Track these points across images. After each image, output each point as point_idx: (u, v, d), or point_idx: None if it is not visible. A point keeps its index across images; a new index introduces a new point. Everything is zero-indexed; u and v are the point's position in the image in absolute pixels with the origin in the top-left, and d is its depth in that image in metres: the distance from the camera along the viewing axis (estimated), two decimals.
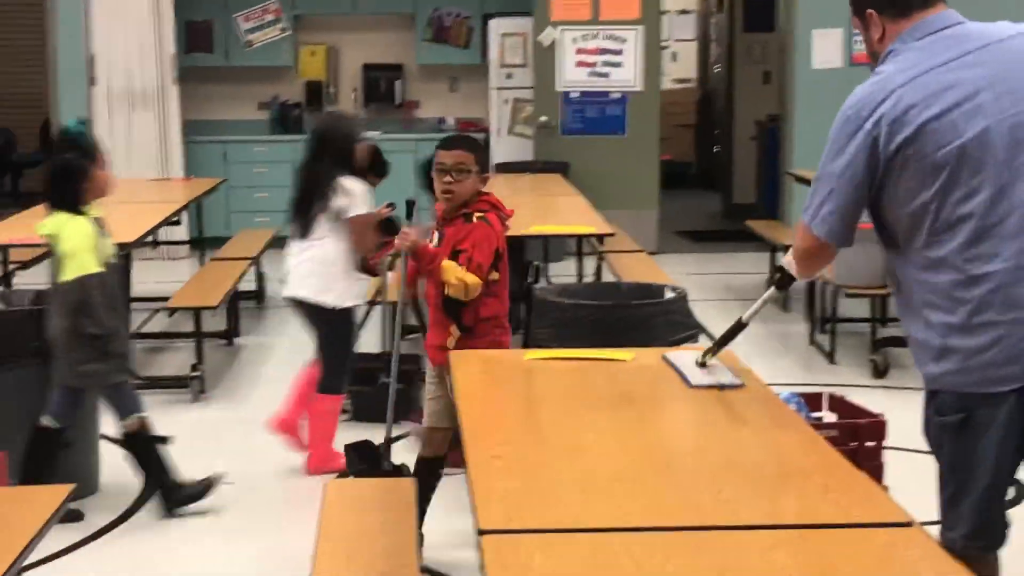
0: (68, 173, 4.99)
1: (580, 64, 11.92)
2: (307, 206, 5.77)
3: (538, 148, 11.94)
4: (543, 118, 11.90)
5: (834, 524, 2.65)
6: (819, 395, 5.17)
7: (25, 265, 8.16)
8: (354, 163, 5.85)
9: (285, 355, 7.76)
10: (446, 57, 12.99)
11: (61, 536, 5.02)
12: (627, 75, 11.93)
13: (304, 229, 5.81)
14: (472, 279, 4.48)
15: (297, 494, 5.64)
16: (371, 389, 6.56)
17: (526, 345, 5.25)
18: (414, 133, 12.79)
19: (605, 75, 11.94)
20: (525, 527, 2.65)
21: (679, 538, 2.58)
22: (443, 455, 4.76)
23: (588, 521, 2.68)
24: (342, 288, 5.81)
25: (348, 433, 6.22)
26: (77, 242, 4.97)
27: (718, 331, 7.93)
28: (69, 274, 4.98)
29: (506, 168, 11.50)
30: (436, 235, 4.65)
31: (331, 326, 5.85)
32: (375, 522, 3.81)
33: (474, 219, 4.57)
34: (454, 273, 4.48)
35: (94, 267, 4.98)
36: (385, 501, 3.98)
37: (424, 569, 3.77)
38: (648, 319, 5.37)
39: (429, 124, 13.05)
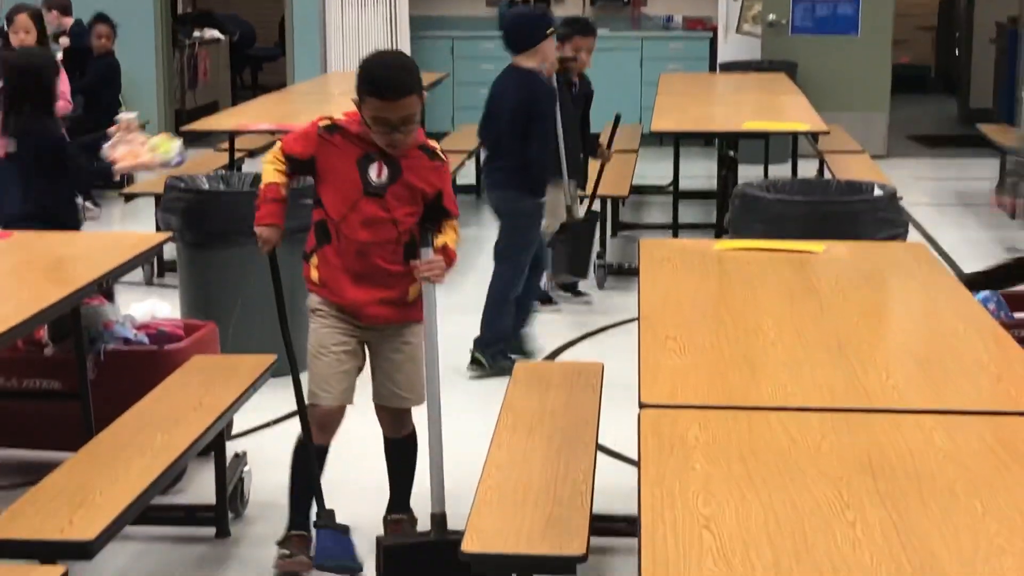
0: None
1: None
2: None
3: (765, 47, 11.71)
4: (772, 16, 11.68)
5: (999, 411, 2.62)
6: None
7: (252, 153, 8.45)
8: None
9: None
10: None
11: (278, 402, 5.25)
12: None
13: None
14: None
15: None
16: None
17: (719, 237, 5.22)
18: (641, 31, 12.70)
19: None
20: (686, 403, 2.69)
21: (838, 418, 2.58)
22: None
23: (749, 399, 2.71)
24: None
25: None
26: None
27: (939, 236, 7.67)
28: None
29: (731, 67, 11.34)
30: (384, 169, 3.80)
31: None
32: (558, 401, 3.89)
33: (440, 155, 3.87)
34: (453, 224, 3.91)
35: None
36: (570, 383, 4.05)
37: (600, 448, 3.83)
38: (855, 216, 5.30)
39: (656, 22, 12.92)
